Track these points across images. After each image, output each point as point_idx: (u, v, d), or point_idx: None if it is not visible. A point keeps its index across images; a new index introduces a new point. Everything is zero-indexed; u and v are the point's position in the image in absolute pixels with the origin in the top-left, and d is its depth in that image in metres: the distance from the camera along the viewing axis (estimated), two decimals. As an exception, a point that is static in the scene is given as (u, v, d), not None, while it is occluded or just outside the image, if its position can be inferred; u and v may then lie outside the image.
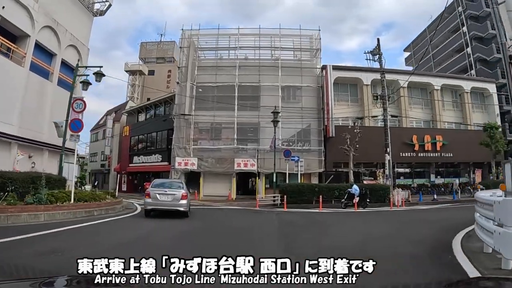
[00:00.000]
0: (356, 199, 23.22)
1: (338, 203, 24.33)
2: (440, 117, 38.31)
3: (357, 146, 29.28)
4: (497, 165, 33.41)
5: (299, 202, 24.68)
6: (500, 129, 32.97)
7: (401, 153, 35.04)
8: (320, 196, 23.55)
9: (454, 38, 51.68)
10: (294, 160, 28.46)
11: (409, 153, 35.66)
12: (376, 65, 29.39)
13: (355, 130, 29.58)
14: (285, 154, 27.87)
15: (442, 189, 35.99)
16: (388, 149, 28.37)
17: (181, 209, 15.22)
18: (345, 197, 23.85)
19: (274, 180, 27.83)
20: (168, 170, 34.59)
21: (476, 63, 46.95)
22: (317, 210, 22.03)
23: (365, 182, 33.13)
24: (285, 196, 24.15)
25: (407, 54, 66.37)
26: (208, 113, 33.85)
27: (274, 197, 26.49)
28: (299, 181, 28.12)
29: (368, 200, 23.94)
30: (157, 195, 15.30)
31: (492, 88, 41.46)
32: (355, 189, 23.70)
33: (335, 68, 35.49)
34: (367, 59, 28.98)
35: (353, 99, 37.39)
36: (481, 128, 38.60)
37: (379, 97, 29.42)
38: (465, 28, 49.46)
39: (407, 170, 37.65)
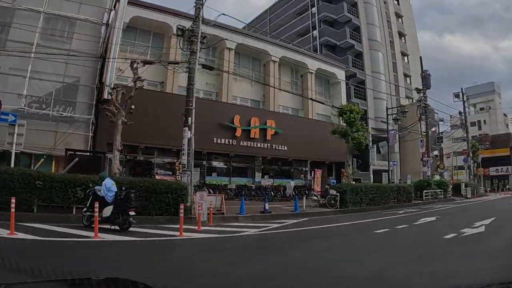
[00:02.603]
0: (107, 210, 10.86)
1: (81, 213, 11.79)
2: (274, 99, 28.61)
3: (133, 108, 17.26)
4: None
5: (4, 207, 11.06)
6: (360, 115, 24.09)
7: (215, 139, 24.11)
8: (13, 200, 9.49)
9: (299, 20, 44.54)
10: (6, 120, 15.16)
11: (227, 140, 24.72)
12: None
13: (134, 78, 17.66)
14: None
15: (272, 193, 25.97)
16: (190, 120, 16.41)
17: None
18: (89, 203, 11.22)
19: None
20: None
21: (322, 47, 39.60)
22: (7, 235, 8.68)
23: (158, 177, 21.32)
24: None
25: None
26: None
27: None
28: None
29: (132, 214, 11.05)
30: None
31: (340, 74, 33.87)
32: (108, 187, 11.15)
33: (133, 3, 23.11)
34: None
35: (154, 54, 25.27)
36: (323, 119, 30.27)
37: (186, 32, 17.43)
38: (315, 9, 42.04)
39: (223, 164, 26.75)
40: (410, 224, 13.87)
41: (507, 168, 58.96)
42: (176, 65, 19.86)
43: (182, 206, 11.75)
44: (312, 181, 27.44)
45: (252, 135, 25.64)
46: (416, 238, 11.19)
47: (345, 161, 24.96)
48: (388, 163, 30.91)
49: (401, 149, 39.95)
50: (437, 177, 33.34)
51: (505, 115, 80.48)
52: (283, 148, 26.96)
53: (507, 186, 55.16)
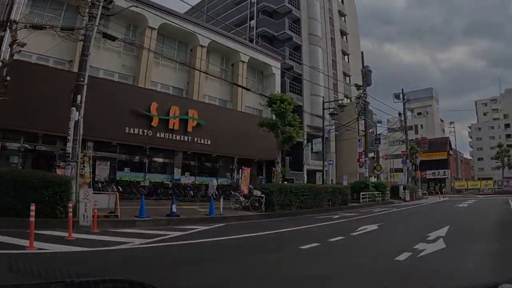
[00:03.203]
0: None
1: None
2: (199, 88, 25.72)
3: (8, 79, 14.09)
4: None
5: None
6: (292, 106, 21.75)
7: (127, 129, 20.78)
8: None
9: (237, 9, 41.87)
10: None
11: (141, 130, 21.37)
12: None
13: (11, 41, 14.37)
14: None
15: (191, 192, 23.07)
16: (79, 98, 13.13)
17: None
18: None
19: None
20: None
21: (259, 38, 37.29)
22: None
23: (59, 171, 17.84)
24: None
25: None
26: None
27: None
28: None
29: None
30: None
31: (276, 66, 31.42)
32: None
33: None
34: None
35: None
36: (253, 112, 27.79)
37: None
38: (254, -1, 39.64)
39: (138, 158, 23.46)
40: (347, 235, 10.70)
41: (444, 171, 59.61)
42: (71, 32, 16.54)
43: (33, 207, 8.48)
44: (240, 180, 24.74)
45: (170, 126, 22.46)
46: (356, 261, 7.33)
47: (275, 159, 22.46)
48: (323, 162, 28.75)
49: (337, 149, 38.28)
50: (373, 179, 31.74)
51: (441, 120, 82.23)
52: (206, 143, 24.02)
53: (444, 189, 55.48)
